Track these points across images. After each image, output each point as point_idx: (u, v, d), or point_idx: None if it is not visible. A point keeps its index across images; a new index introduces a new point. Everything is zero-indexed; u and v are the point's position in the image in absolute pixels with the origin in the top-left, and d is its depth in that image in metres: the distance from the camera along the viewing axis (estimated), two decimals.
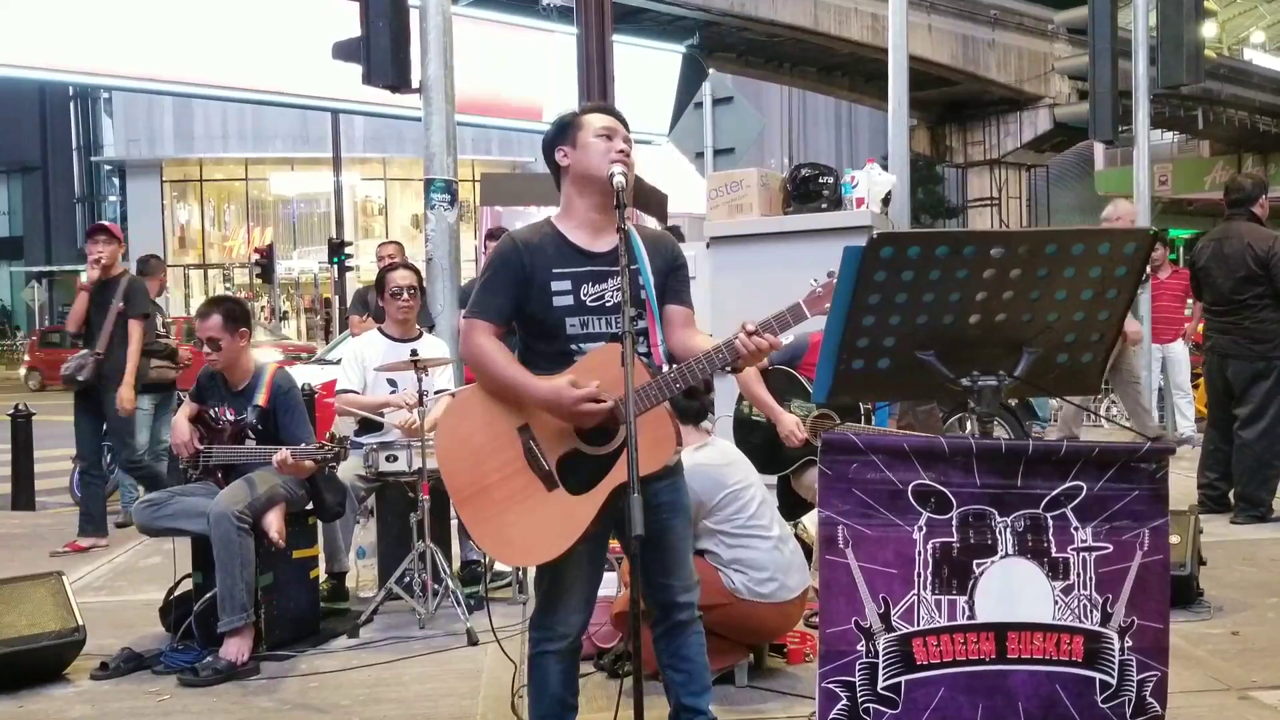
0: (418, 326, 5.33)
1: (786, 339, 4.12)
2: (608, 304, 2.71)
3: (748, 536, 3.67)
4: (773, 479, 4.51)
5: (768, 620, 3.73)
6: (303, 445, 4.29)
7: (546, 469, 2.66)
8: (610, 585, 3.62)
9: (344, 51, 6.83)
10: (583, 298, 2.72)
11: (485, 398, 2.74)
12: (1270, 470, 6.20)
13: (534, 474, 2.67)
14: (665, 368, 2.71)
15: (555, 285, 2.72)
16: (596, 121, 2.78)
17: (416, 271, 5.44)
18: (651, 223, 8.03)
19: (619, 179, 2.66)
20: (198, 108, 36.32)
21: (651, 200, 9.19)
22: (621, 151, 2.72)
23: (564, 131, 2.80)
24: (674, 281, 2.84)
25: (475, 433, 2.72)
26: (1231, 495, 6.33)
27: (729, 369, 2.66)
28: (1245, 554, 5.46)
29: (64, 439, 9.63)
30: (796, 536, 4.06)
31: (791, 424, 4.43)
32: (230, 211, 39.52)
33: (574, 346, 2.71)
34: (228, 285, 37.74)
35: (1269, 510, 6.14)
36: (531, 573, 4.74)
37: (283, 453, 4.20)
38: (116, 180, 41.08)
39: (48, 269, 39.68)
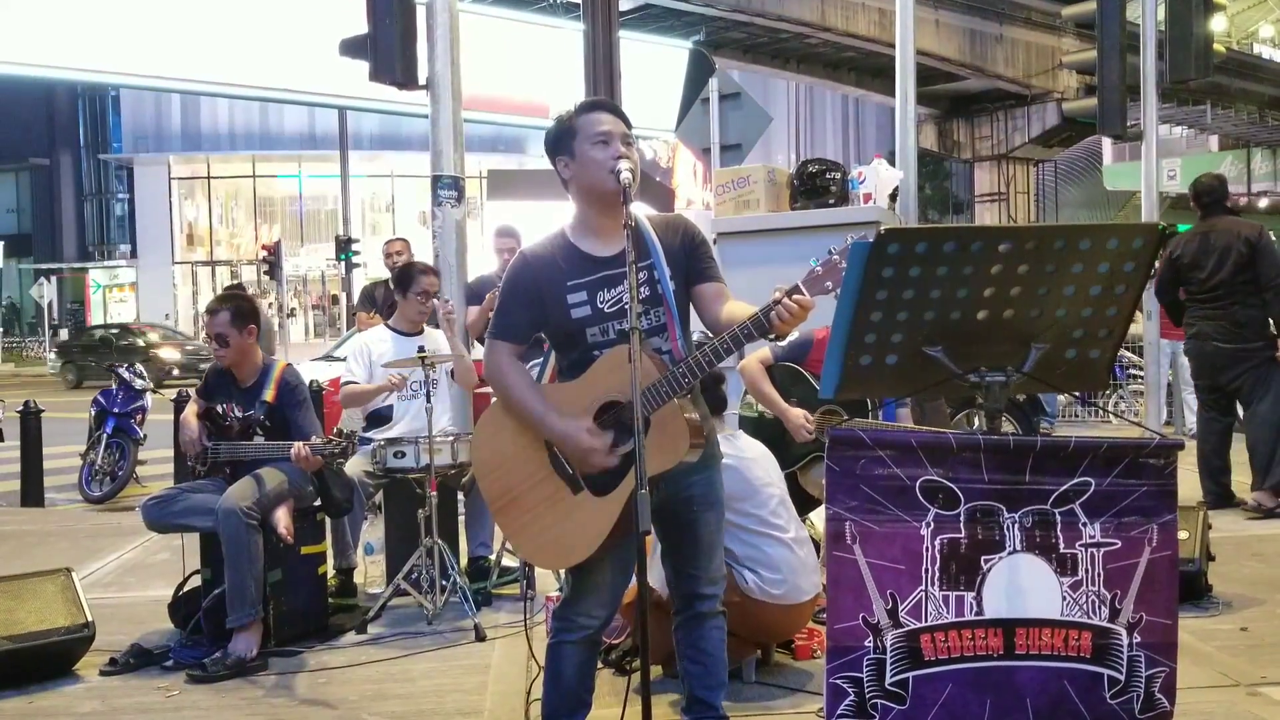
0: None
1: (790, 336, 4.12)
2: (625, 307, 2.68)
3: (763, 535, 3.65)
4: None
5: (776, 621, 3.73)
6: (314, 440, 4.29)
7: (571, 472, 2.69)
8: None
9: (351, 49, 6.84)
10: (600, 305, 2.72)
11: None
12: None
13: (561, 479, 2.70)
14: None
15: (571, 298, 2.72)
16: (591, 127, 2.71)
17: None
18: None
19: (625, 175, 2.61)
20: (205, 105, 36.45)
21: (657, 197, 9.18)
22: (621, 154, 2.67)
23: (561, 141, 2.75)
24: (697, 260, 2.80)
25: (506, 443, 2.78)
26: (1240, 492, 6.31)
27: (769, 335, 2.59)
28: (1254, 550, 5.44)
29: (73, 436, 9.70)
30: None
31: (799, 419, 4.43)
32: (238, 209, 39.59)
33: (596, 353, 2.71)
34: (236, 282, 37.82)
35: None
36: (540, 570, 4.78)
37: (299, 444, 4.21)
38: (124, 178, 41.19)
39: (56, 266, 39.82)
